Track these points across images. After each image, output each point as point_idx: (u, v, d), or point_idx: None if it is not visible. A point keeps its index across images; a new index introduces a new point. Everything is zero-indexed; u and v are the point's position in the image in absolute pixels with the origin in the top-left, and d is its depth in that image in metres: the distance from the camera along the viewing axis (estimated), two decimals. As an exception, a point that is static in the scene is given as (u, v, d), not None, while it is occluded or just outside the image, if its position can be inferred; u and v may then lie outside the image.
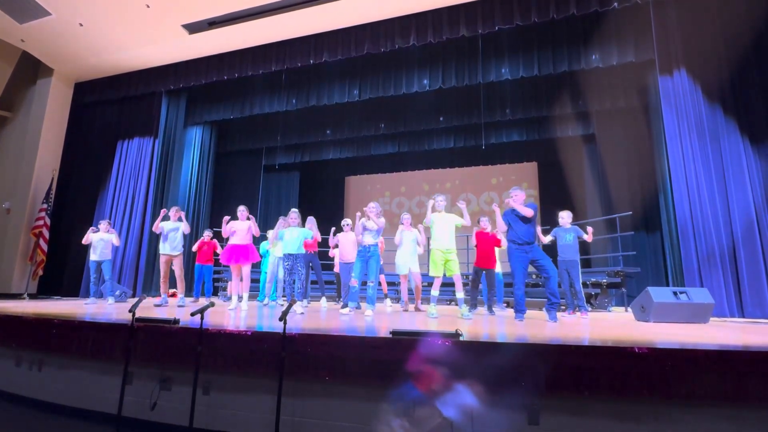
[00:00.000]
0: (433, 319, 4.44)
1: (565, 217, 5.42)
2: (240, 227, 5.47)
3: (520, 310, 4.49)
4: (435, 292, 4.81)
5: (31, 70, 8.80)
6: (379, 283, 6.20)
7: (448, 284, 6.27)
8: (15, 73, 8.56)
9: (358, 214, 5.29)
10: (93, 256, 6.39)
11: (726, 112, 5.69)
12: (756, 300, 5.13)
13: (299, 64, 7.77)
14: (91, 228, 6.63)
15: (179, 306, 5.71)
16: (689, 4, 6.11)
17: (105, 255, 6.44)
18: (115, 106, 9.43)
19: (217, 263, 7.05)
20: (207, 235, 7.32)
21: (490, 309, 5.56)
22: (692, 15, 6.08)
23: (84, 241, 6.45)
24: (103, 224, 6.58)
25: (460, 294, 4.78)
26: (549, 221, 10.34)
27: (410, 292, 6.14)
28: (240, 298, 5.41)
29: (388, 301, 6.39)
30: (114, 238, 6.48)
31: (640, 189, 7.63)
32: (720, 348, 2.31)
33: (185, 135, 9.96)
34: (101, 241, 6.42)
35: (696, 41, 6.01)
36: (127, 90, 9.08)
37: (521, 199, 4.63)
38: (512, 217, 4.62)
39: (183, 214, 6.16)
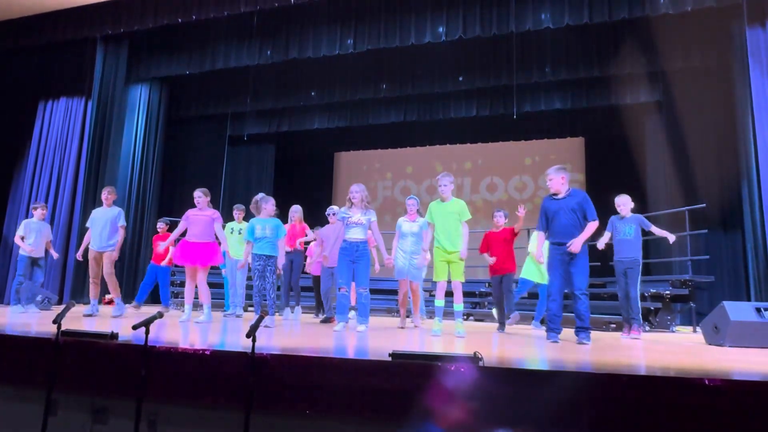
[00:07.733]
0: (436, 337, 4.45)
1: (622, 203, 5.28)
2: (197, 219, 5.39)
3: (553, 329, 4.49)
4: (439, 301, 4.83)
5: (-75, 6, 8.71)
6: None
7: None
8: None
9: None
10: (26, 250, 6.46)
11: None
12: None
13: (276, 4, 7.70)
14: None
15: (113, 316, 5.67)
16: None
17: (40, 250, 6.55)
18: (35, 56, 9.37)
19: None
20: (161, 227, 7.29)
21: (501, 325, 5.61)
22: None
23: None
24: (39, 208, 6.68)
25: (458, 305, 4.81)
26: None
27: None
28: (197, 307, 5.43)
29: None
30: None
31: (718, 174, 7.62)
32: (815, 381, 2.32)
33: (127, 95, 9.90)
34: (35, 231, 6.51)
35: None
36: (52, 35, 8.98)
37: (560, 184, 4.55)
38: (550, 209, 4.56)
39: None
